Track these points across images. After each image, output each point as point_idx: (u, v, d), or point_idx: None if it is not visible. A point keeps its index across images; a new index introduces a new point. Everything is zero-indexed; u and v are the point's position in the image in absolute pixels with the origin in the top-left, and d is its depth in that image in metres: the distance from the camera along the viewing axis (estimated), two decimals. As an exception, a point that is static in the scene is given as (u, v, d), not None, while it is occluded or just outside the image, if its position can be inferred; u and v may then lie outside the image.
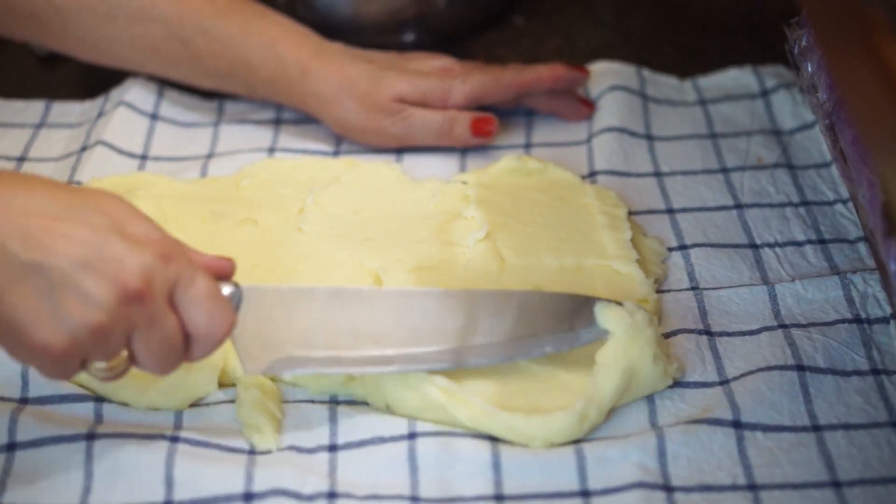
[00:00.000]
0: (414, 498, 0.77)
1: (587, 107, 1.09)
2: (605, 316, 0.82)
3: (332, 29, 1.11)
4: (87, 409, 0.82)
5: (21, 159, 1.05)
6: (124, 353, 0.74)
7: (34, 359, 0.72)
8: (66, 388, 0.83)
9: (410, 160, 1.05)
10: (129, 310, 0.71)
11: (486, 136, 1.04)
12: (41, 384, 0.83)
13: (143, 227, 0.73)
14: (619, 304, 0.83)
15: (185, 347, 0.75)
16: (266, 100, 1.08)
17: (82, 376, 0.83)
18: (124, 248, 0.71)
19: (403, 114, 1.03)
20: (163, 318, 0.72)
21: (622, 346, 0.81)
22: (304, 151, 1.07)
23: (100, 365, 0.73)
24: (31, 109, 1.11)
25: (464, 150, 1.06)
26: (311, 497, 0.77)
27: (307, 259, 0.92)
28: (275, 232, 0.95)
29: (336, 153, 1.07)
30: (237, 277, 0.89)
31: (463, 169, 1.04)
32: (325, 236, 0.94)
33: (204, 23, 1.02)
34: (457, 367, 0.81)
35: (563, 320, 0.83)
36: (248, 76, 1.04)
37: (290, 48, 1.03)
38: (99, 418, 0.82)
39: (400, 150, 1.06)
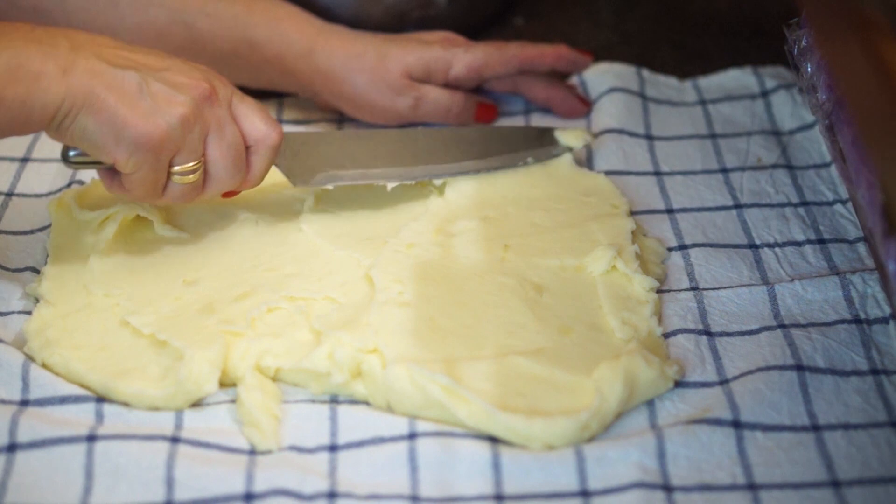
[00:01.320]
0: (414, 497, 0.77)
1: (583, 104, 1.09)
2: (564, 136, 1.03)
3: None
4: (87, 410, 0.82)
5: (24, 160, 1.05)
6: (200, 164, 0.87)
7: (136, 152, 0.83)
8: (66, 389, 0.83)
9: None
10: (204, 108, 0.85)
11: (488, 121, 1.08)
12: (42, 386, 0.83)
13: (191, 64, 0.88)
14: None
15: (247, 161, 0.89)
16: (270, 85, 1.07)
17: (90, 377, 0.83)
18: (189, 67, 0.87)
19: (415, 94, 1.05)
20: (229, 123, 0.87)
21: (616, 358, 0.82)
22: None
23: (180, 168, 0.86)
24: None
25: None
26: (311, 497, 0.77)
27: (306, 259, 0.92)
28: (275, 231, 0.95)
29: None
30: (237, 278, 0.89)
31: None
32: (325, 236, 0.94)
33: (207, 5, 1.03)
34: (460, 174, 0.99)
35: (535, 140, 1.03)
36: (252, 56, 1.04)
37: (295, 25, 1.04)
38: (100, 419, 0.82)
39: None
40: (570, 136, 1.03)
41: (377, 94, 1.04)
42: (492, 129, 1.06)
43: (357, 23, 1.13)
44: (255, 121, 0.88)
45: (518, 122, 1.10)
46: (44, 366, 0.85)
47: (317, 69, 1.04)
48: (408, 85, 1.04)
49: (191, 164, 0.86)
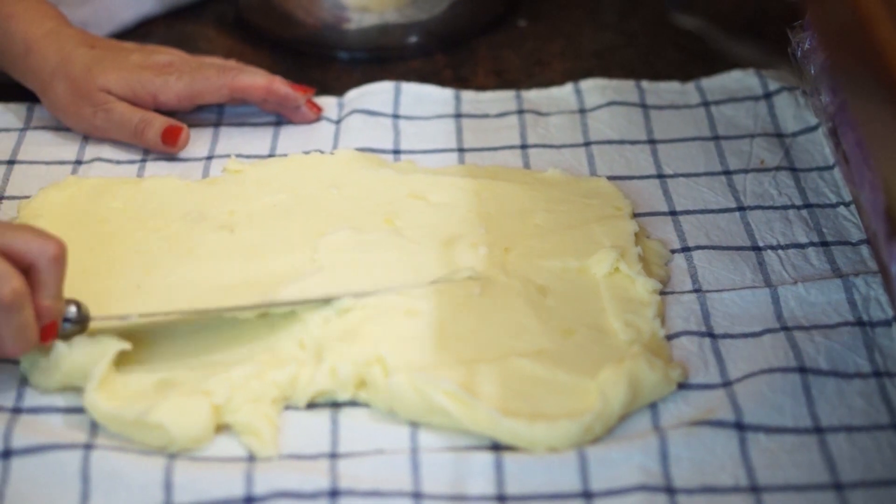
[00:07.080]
0: (416, 495, 0.77)
1: (314, 110, 1.08)
2: None
3: (334, 29, 1.12)
4: (84, 419, 0.82)
5: (10, 162, 1.04)
6: None
7: None
8: (63, 402, 0.83)
9: (408, 159, 1.05)
10: None
11: (173, 145, 1.04)
12: (37, 394, 0.83)
13: None
14: None
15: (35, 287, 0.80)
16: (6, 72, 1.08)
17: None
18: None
19: (106, 106, 1.04)
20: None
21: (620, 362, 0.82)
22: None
23: None
24: (15, 113, 1.10)
25: (461, 149, 1.06)
26: (312, 495, 0.77)
27: (285, 280, 0.90)
28: (253, 244, 0.94)
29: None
30: (220, 286, 0.87)
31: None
32: (310, 248, 0.93)
33: None
34: None
35: None
36: None
37: (21, 25, 1.04)
38: (96, 428, 0.81)
39: (397, 151, 1.06)
40: None
41: (72, 104, 1.04)
42: None
43: (356, 20, 1.13)
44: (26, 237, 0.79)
45: (514, 130, 1.08)
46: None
47: (30, 69, 1.05)
48: (102, 98, 1.04)
49: None
